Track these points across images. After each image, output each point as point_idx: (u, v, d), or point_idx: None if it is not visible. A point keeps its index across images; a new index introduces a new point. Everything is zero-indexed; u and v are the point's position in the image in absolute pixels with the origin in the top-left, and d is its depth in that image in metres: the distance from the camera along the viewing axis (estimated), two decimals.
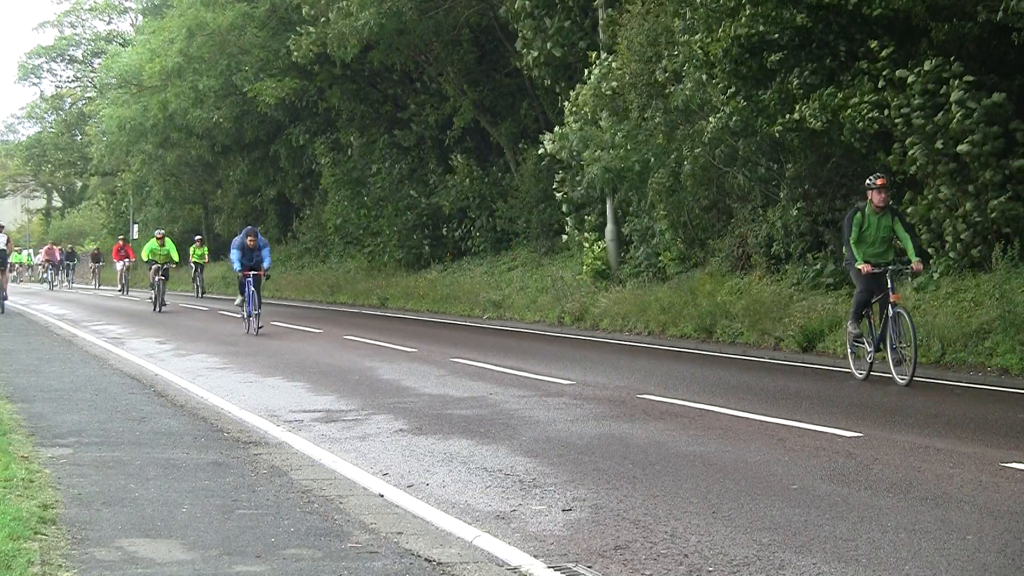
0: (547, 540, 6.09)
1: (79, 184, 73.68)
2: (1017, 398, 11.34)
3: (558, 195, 24.10)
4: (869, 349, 12.61)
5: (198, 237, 35.84)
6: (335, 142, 37.45)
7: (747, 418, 10.00)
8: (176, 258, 29.87)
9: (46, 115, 67.95)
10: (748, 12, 16.33)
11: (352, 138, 36.11)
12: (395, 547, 5.80)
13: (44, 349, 16.57)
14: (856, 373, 12.84)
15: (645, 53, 19.90)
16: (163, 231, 31.45)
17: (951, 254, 15.16)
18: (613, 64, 20.87)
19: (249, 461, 8.01)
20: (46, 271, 49.50)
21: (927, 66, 14.99)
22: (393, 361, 15.14)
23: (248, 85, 34.28)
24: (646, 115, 20.34)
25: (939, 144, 14.88)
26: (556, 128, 22.84)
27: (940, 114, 14.88)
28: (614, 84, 20.79)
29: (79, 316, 26.06)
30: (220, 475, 7.46)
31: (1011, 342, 13.13)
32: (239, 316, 21.73)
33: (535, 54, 24.54)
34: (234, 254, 20.76)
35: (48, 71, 67.48)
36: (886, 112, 15.51)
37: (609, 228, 22.90)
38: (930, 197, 15.30)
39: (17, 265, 59.09)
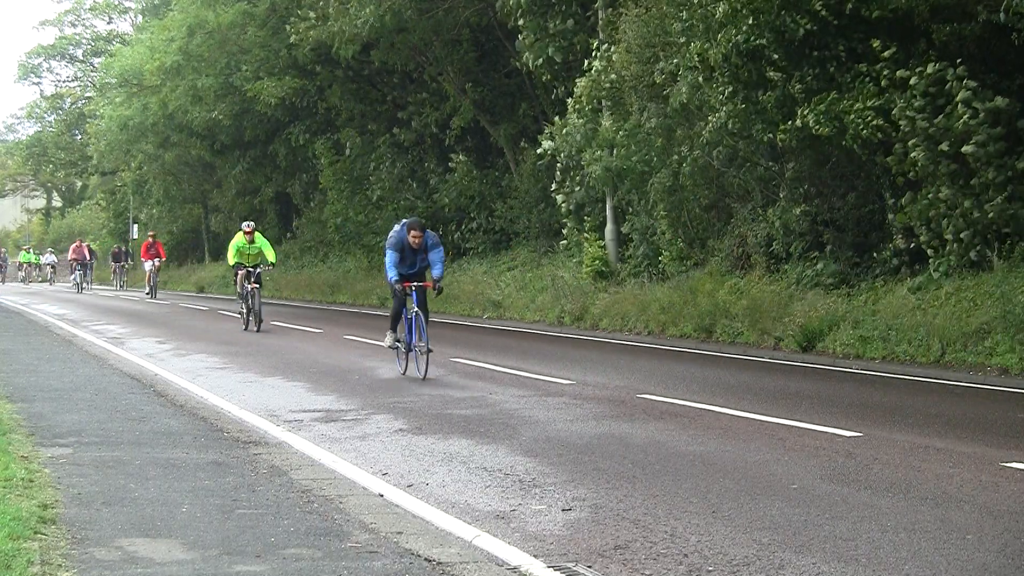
0: (547, 540, 6.09)
1: (79, 184, 73.62)
2: (1017, 398, 11.34)
3: (558, 198, 24.07)
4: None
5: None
6: (335, 142, 37.44)
7: (747, 418, 10.00)
8: (272, 258, 21.52)
9: (46, 115, 67.90)
10: (750, 22, 16.27)
11: (352, 138, 36.09)
12: (395, 547, 5.80)
13: (44, 349, 16.57)
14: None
15: (644, 54, 19.90)
16: (252, 223, 22.21)
17: (951, 254, 15.16)
18: (613, 57, 20.84)
19: (249, 461, 8.01)
20: (74, 271, 43.70)
21: (929, 69, 14.99)
22: (393, 361, 15.11)
23: (248, 84, 34.26)
24: (644, 116, 20.35)
25: (944, 147, 14.86)
26: (557, 119, 22.77)
27: (941, 117, 14.87)
28: (612, 76, 20.76)
29: (79, 316, 26.05)
30: (220, 475, 7.46)
31: (1011, 342, 13.14)
32: (393, 351, 14.26)
33: (538, 61, 24.56)
34: (390, 258, 13.47)
35: (48, 70, 67.46)
36: (890, 116, 15.49)
37: (609, 228, 22.89)
38: (929, 197, 15.30)
39: (25, 265, 57.35)
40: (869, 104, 15.49)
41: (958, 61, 14.88)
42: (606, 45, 21.41)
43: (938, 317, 14.27)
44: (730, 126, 17.88)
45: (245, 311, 21.00)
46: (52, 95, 68.14)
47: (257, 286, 20.66)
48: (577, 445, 8.78)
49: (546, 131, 23.32)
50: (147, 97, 39.41)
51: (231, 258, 21.32)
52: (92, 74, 61.73)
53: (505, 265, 28.01)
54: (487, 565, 5.58)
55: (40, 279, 57.33)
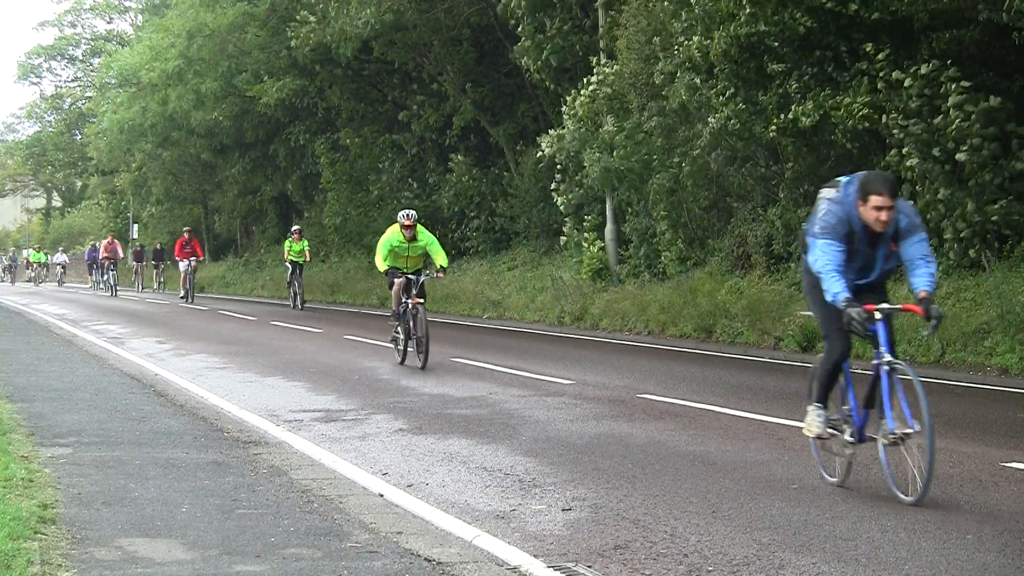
0: (547, 540, 6.09)
1: (79, 184, 73.61)
2: (1017, 398, 11.34)
3: (557, 196, 24.06)
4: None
5: (296, 228, 28.21)
6: (335, 142, 37.44)
7: (747, 418, 10.00)
8: (444, 261, 16.08)
9: (46, 115, 67.89)
10: (748, 11, 16.31)
11: (352, 138, 36.09)
12: (395, 547, 5.80)
13: (44, 349, 16.56)
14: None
15: (643, 52, 19.90)
16: (413, 213, 16.57)
17: (950, 254, 15.17)
18: (608, 70, 20.90)
19: (249, 461, 8.01)
20: (106, 272, 39.51)
21: (923, 70, 14.99)
22: (393, 361, 15.12)
23: (249, 86, 34.26)
24: (643, 116, 20.36)
25: (936, 151, 14.89)
26: (552, 131, 22.81)
27: (939, 117, 14.87)
28: (608, 90, 20.81)
29: (79, 316, 26.05)
30: (220, 475, 7.46)
31: (1011, 342, 13.14)
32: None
33: (537, 64, 24.59)
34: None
35: (48, 70, 67.47)
36: (882, 117, 15.51)
37: (609, 228, 22.89)
38: (927, 197, 15.30)
39: (35, 264, 55.84)
40: (860, 100, 15.51)
41: (949, 63, 14.87)
42: (605, 59, 21.44)
43: None
44: (730, 127, 17.88)
45: (403, 337, 14.86)
46: (52, 95, 68.16)
47: (421, 302, 14.51)
48: (577, 445, 8.78)
49: (544, 138, 23.30)
50: (147, 98, 39.38)
51: (382, 262, 14.77)
52: (92, 74, 61.72)
53: (505, 265, 28.01)
54: (487, 565, 5.58)
55: (51, 279, 55.40)
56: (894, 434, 6.73)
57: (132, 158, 48.96)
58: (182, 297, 32.39)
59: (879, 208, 6.74)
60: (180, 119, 38.92)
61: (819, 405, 7.43)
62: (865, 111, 15.43)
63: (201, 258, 34.00)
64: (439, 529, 6.31)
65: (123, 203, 59.03)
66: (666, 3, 19.07)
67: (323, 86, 35.51)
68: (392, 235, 14.66)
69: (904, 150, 15.25)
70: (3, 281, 60.77)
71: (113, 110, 42.95)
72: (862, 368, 8.19)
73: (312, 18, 28.87)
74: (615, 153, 20.87)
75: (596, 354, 16.28)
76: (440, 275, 14.90)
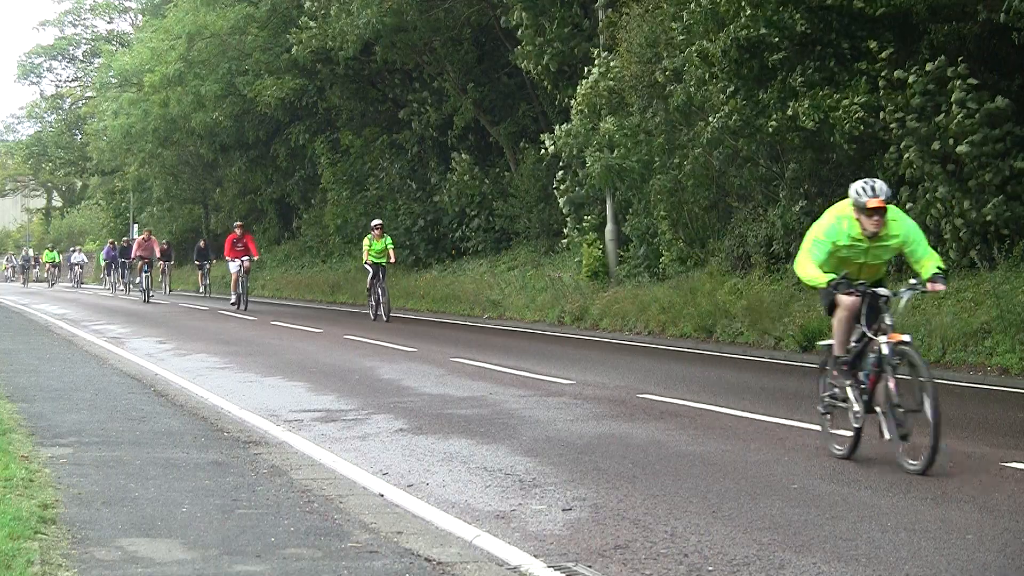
0: (547, 539, 6.09)
1: (79, 184, 73.61)
2: (1017, 398, 11.34)
3: (559, 195, 24.05)
4: None
5: (377, 223, 24.00)
6: (335, 142, 37.45)
7: (747, 418, 10.00)
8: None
9: (46, 114, 67.88)
10: (748, 13, 16.31)
11: (352, 138, 36.10)
12: (395, 547, 5.80)
13: (44, 349, 16.57)
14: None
15: (645, 54, 19.90)
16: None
17: (950, 254, 15.17)
18: (611, 64, 20.87)
19: (249, 461, 8.01)
20: (140, 274, 34.03)
21: (928, 67, 14.99)
22: (393, 361, 15.14)
23: (249, 86, 34.27)
24: (646, 115, 20.35)
25: (935, 145, 14.88)
26: (563, 125, 22.78)
27: (941, 115, 14.87)
28: (611, 83, 20.78)
29: (79, 316, 26.05)
30: (220, 475, 7.46)
31: (1011, 342, 13.14)
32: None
33: (538, 69, 24.61)
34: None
35: (48, 70, 67.46)
36: (880, 116, 15.51)
37: (609, 228, 22.89)
38: (927, 197, 15.30)
39: (48, 265, 53.29)
40: (857, 101, 15.50)
41: (959, 59, 14.88)
42: (606, 53, 21.43)
43: (938, 317, 14.27)
44: (731, 124, 17.87)
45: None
46: (52, 95, 68.15)
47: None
48: (577, 445, 8.78)
49: (547, 136, 23.29)
50: (148, 98, 39.36)
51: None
52: (92, 74, 61.68)
53: (505, 265, 28.01)
54: (487, 565, 5.58)
55: (63, 280, 53.00)
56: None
57: (133, 158, 48.94)
58: (233, 303, 27.60)
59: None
60: (181, 121, 38.92)
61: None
62: (861, 113, 15.42)
63: (256, 257, 29.01)
64: (439, 529, 6.31)
65: (123, 203, 59.01)
66: (665, 5, 19.06)
67: (323, 86, 35.51)
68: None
69: (903, 145, 15.23)
70: (11, 281, 59.90)
71: (114, 112, 42.91)
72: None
73: (313, 24, 28.88)
74: (616, 151, 20.87)
75: (596, 354, 16.28)
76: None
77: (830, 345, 8.35)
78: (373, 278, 23.31)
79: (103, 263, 46.23)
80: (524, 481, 7.51)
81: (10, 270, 63.64)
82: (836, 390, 8.19)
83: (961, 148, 14.59)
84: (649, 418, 10.09)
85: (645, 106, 20.48)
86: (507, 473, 7.77)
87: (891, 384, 7.58)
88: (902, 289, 8.24)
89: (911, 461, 7.45)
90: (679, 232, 20.57)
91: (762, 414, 10.12)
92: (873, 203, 7.68)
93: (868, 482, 7.33)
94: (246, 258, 27.74)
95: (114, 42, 60.86)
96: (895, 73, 15.38)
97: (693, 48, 17.64)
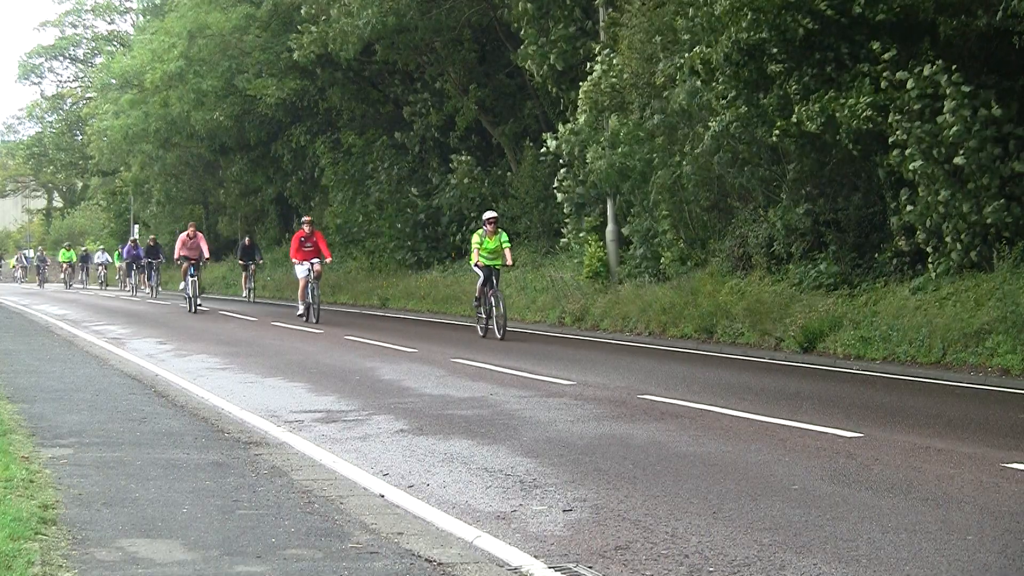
0: (548, 540, 6.09)
1: (79, 184, 73.63)
2: (1018, 398, 11.34)
3: (559, 194, 24.02)
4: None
5: (491, 216, 19.20)
6: (336, 142, 37.47)
7: (748, 418, 10.00)
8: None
9: (47, 115, 67.94)
10: (750, 18, 16.29)
11: (353, 138, 36.12)
12: (396, 547, 5.80)
13: (45, 349, 16.57)
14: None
15: (645, 51, 19.90)
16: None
17: (952, 255, 15.17)
18: (614, 60, 20.87)
19: (250, 461, 8.01)
20: (185, 277, 27.48)
21: (926, 71, 14.99)
22: (394, 361, 15.14)
23: (249, 85, 34.29)
24: (645, 114, 20.35)
25: (936, 153, 14.89)
26: (567, 124, 22.75)
27: (941, 117, 14.86)
28: (613, 80, 20.78)
29: (80, 316, 26.06)
30: (221, 475, 7.46)
31: (1012, 343, 13.14)
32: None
33: (541, 68, 24.61)
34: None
35: (49, 71, 67.56)
36: (888, 116, 15.49)
37: (610, 228, 22.89)
38: (929, 199, 15.30)
39: (65, 264, 50.31)
40: (863, 100, 15.50)
41: (953, 67, 14.85)
42: (608, 50, 21.42)
43: (939, 318, 14.28)
44: (731, 129, 17.87)
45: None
46: (53, 95, 68.22)
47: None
48: (578, 446, 8.78)
49: (548, 136, 23.28)
50: (148, 99, 39.38)
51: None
52: (93, 75, 61.72)
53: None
54: (488, 566, 5.58)
55: (78, 281, 50.00)
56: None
57: (133, 159, 48.94)
58: (300, 315, 23.05)
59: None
60: (181, 122, 38.92)
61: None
62: (869, 112, 15.42)
63: (328, 259, 23.92)
64: (440, 530, 6.31)
65: (124, 204, 59.02)
66: (667, 5, 19.06)
67: (324, 86, 35.53)
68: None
69: (908, 151, 15.23)
70: (22, 282, 58.42)
71: (115, 113, 42.93)
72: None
73: (314, 28, 28.90)
74: (618, 150, 20.86)
75: (597, 355, 16.28)
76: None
77: None
78: (484, 284, 18.69)
79: (118, 263, 43.80)
80: (525, 482, 7.51)
81: (21, 271, 61.70)
82: None
83: (958, 160, 14.61)
84: (650, 419, 10.09)
85: (644, 104, 20.48)
86: (508, 474, 7.77)
87: None
88: None
89: None
90: (680, 233, 20.57)
91: (763, 415, 10.12)
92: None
93: (868, 483, 7.34)
94: (316, 260, 23.02)
95: (114, 42, 60.91)
96: (897, 74, 15.37)
97: (693, 53, 17.62)
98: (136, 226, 55.44)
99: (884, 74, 15.51)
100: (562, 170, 23.70)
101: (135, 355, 16.14)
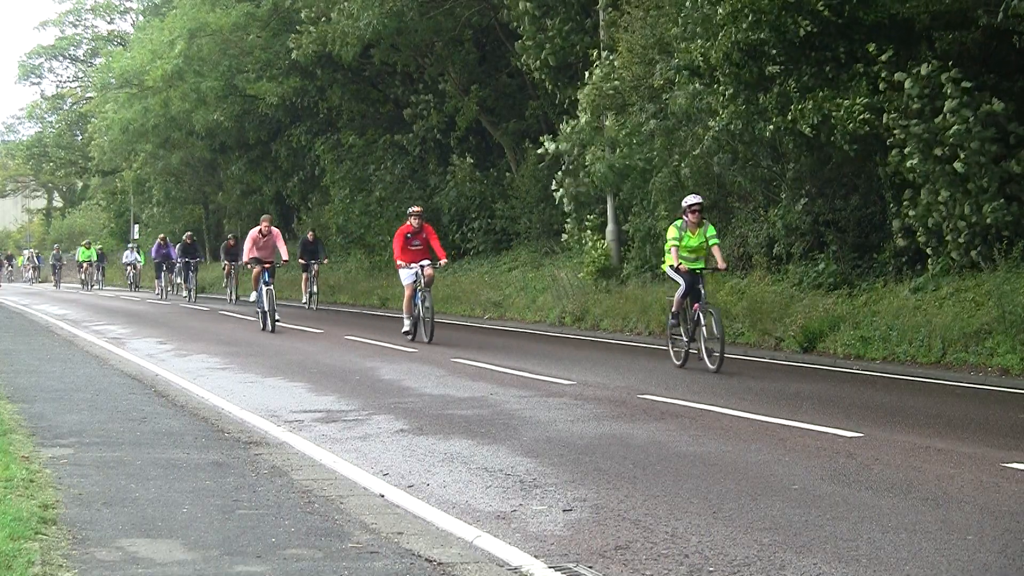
0: (548, 540, 6.09)
1: (79, 184, 73.63)
2: (1018, 398, 11.34)
3: (561, 188, 23.96)
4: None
5: (694, 203, 14.55)
6: (336, 142, 37.47)
7: (748, 418, 10.00)
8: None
9: (47, 115, 67.91)
10: (750, 19, 16.30)
11: (353, 138, 36.12)
12: (396, 547, 5.80)
13: (45, 349, 16.57)
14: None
15: (645, 55, 19.91)
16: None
17: (952, 254, 15.17)
18: (616, 63, 20.89)
19: (250, 461, 8.01)
20: (256, 284, 21.31)
21: (924, 70, 14.99)
22: (394, 361, 15.14)
23: (249, 84, 34.29)
24: (645, 116, 20.36)
25: (937, 151, 14.89)
26: (567, 124, 22.74)
27: (940, 118, 14.86)
28: (616, 83, 20.80)
29: (80, 316, 26.06)
30: (221, 475, 7.46)
31: (1012, 342, 13.15)
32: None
33: (537, 64, 24.63)
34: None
35: (49, 71, 67.52)
36: (883, 118, 15.50)
37: (610, 228, 22.89)
38: (928, 199, 15.30)
39: (85, 264, 47.07)
40: (859, 101, 15.50)
41: (950, 64, 14.86)
42: (607, 52, 21.43)
43: (939, 317, 14.28)
44: (732, 128, 17.87)
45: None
46: (53, 95, 68.18)
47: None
48: (578, 445, 8.78)
49: (547, 138, 23.28)
50: (148, 99, 39.38)
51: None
52: (93, 75, 61.73)
53: (506, 265, 28.01)
54: (488, 565, 5.58)
55: (97, 283, 46.63)
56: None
57: (134, 158, 48.91)
58: (406, 332, 18.26)
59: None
60: (181, 120, 38.91)
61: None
62: (865, 114, 15.43)
63: (443, 261, 18.62)
64: (440, 529, 6.31)
65: (124, 204, 59.03)
66: (666, 7, 19.07)
67: (324, 86, 35.54)
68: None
69: (906, 150, 15.24)
70: (34, 282, 56.80)
71: (115, 109, 42.90)
72: None
73: (313, 29, 28.90)
74: (617, 152, 20.86)
75: (597, 354, 16.28)
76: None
77: None
78: (687, 295, 14.15)
79: (154, 262, 37.94)
80: (525, 482, 7.51)
81: (32, 271, 59.46)
82: None
83: (958, 165, 14.61)
84: (650, 419, 10.09)
85: (643, 105, 20.48)
86: (508, 474, 7.77)
87: None
88: None
89: None
90: None
91: (763, 415, 10.12)
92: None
93: (868, 483, 7.34)
94: (427, 262, 18.04)
95: (115, 42, 60.90)
96: (895, 75, 15.38)
97: (696, 48, 17.62)
98: (136, 226, 55.43)
99: (882, 75, 15.52)
100: (559, 173, 23.67)
101: (135, 355, 16.13)
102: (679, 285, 14.19)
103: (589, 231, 23.20)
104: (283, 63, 33.32)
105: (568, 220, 24.37)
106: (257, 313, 21.29)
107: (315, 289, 29.05)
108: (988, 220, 14.59)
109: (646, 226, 21.72)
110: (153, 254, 37.97)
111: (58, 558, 5.34)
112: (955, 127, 14.57)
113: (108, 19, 65.02)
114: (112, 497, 6.69)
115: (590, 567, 5.57)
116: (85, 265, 47.15)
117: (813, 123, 15.91)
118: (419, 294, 17.97)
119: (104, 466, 7.61)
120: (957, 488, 7.15)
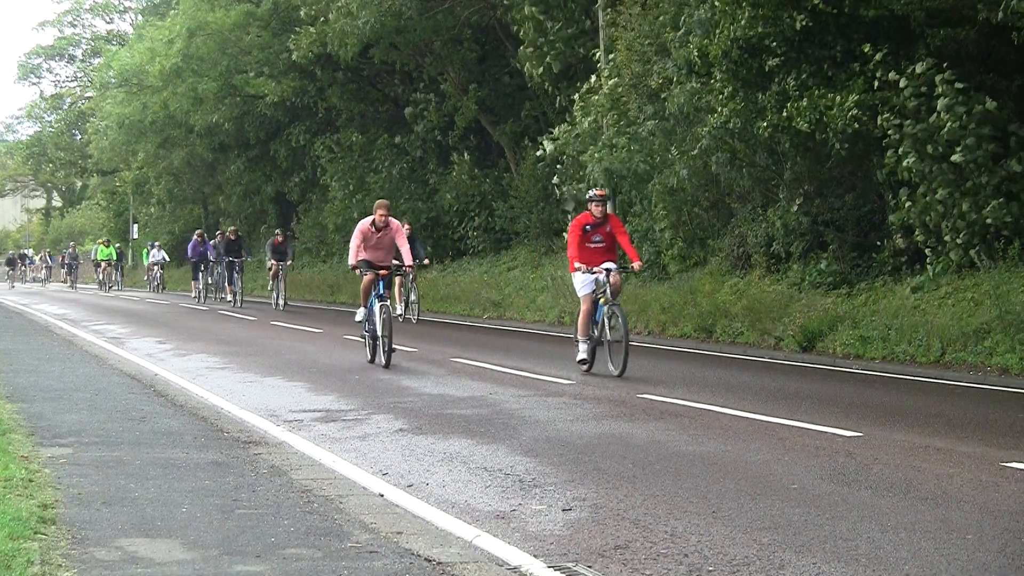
0: (547, 540, 6.09)
1: (79, 184, 73.63)
2: (1017, 398, 11.34)
3: (558, 192, 23.95)
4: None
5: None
6: (335, 142, 37.48)
7: (747, 418, 10.00)
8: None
9: (46, 115, 67.91)
10: (748, 14, 16.33)
11: (352, 138, 36.12)
12: (395, 547, 5.79)
13: (44, 349, 16.56)
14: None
15: (645, 54, 19.92)
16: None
17: (951, 254, 15.17)
18: (618, 60, 20.90)
19: (249, 461, 8.01)
20: (373, 289, 14.69)
21: (919, 69, 14.99)
22: (393, 360, 15.12)
23: (248, 84, 34.28)
24: (643, 117, 20.36)
25: (930, 149, 14.89)
26: (564, 125, 22.70)
27: (934, 116, 14.86)
28: (620, 88, 20.82)
29: (79, 316, 26.05)
30: (220, 475, 7.46)
31: (1011, 342, 13.14)
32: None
33: (539, 70, 24.63)
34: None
35: (48, 71, 67.54)
36: (877, 118, 15.50)
37: None
38: (927, 199, 15.29)
39: (104, 264, 44.06)
40: (851, 99, 15.50)
41: (944, 65, 14.85)
42: (610, 55, 21.44)
43: (938, 317, 14.28)
44: (730, 126, 17.88)
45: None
46: (52, 95, 68.19)
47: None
48: (577, 445, 8.78)
49: (546, 137, 23.27)
50: (147, 97, 39.37)
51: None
52: (92, 74, 61.69)
53: (505, 265, 28.02)
54: (487, 565, 5.58)
55: (117, 282, 44.44)
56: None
57: (134, 158, 48.90)
58: (582, 360, 13.63)
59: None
60: (180, 118, 38.90)
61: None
62: (856, 112, 15.43)
63: (637, 264, 13.96)
64: (439, 529, 6.31)
65: (123, 204, 59.02)
66: (664, 4, 19.08)
67: (323, 86, 35.53)
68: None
69: (901, 150, 15.25)
70: (45, 283, 54.64)
71: (114, 107, 42.87)
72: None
73: (312, 29, 28.89)
74: (616, 153, 20.85)
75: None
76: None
77: None
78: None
79: (191, 262, 34.45)
80: (524, 481, 7.51)
81: (45, 271, 57.03)
82: None
83: (955, 158, 14.60)
84: (649, 418, 10.09)
85: (641, 106, 20.48)
86: (507, 473, 7.76)
87: None
88: None
89: None
90: (679, 232, 20.57)
91: (762, 414, 10.12)
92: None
93: (868, 482, 7.33)
94: (611, 266, 13.48)
95: (114, 42, 60.90)
96: (889, 75, 15.38)
97: (694, 43, 17.62)
98: (135, 225, 55.42)
99: (878, 74, 15.52)
100: (555, 176, 23.64)
101: (134, 354, 16.13)
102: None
103: None
104: (282, 63, 33.32)
105: (568, 218, 24.35)
106: (363, 338, 15.16)
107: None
108: (987, 219, 14.58)
109: (644, 226, 21.72)
110: (189, 253, 34.18)
111: (57, 558, 5.34)
112: (948, 125, 14.56)
113: (107, 19, 65.10)
114: (111, 497, 6.69)
115: (589, 567, 5.56)
116: (104, 265, 43.87)
117: (810, 121, 15.91)
118: (601, 309, 13.40)
119: (103, 466, 7.61)
120: (956, 487, 7.15)
